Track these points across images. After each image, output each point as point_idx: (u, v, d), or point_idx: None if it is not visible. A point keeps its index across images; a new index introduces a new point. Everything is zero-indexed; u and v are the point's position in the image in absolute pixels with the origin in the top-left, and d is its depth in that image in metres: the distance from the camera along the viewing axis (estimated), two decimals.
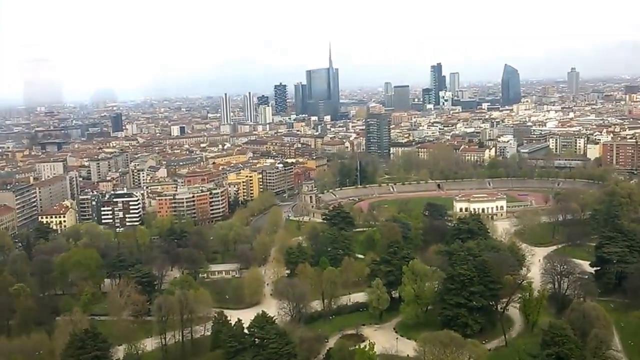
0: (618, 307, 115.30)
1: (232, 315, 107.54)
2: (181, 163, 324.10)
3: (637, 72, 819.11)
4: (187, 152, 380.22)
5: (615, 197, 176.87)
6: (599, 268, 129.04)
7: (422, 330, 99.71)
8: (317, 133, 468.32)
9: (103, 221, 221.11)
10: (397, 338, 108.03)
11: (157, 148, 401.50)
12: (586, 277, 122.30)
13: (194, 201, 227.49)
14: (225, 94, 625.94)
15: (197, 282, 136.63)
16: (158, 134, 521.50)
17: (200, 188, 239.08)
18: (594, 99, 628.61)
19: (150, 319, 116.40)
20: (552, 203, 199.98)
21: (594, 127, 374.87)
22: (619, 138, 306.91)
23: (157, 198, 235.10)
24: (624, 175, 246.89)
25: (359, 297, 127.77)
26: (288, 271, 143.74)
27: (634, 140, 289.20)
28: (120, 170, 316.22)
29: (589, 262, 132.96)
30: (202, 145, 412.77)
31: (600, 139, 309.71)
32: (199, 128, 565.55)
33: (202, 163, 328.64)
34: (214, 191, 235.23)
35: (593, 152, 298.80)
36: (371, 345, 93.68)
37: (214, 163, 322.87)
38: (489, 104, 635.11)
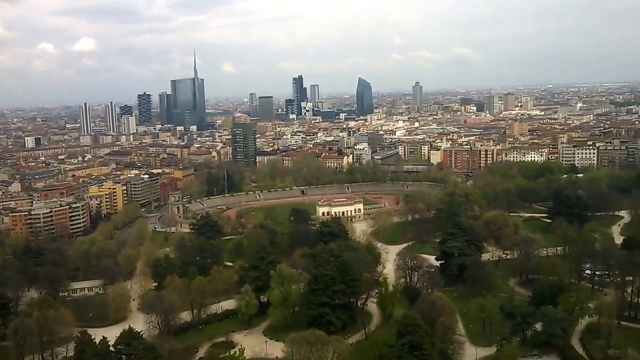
0: (460, 295, 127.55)
1: (97, 334, 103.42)
2: (37, 176, 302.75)
3: (469, 85, 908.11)
4: (44, 164, 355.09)
5: (454, 197, 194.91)
6: (443, 261, 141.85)
7: (290, 332, 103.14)
8: (184, 143, 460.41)
9: None
10: (266, 341, 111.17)
11: (9, 161, 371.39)
12: (432, 270, 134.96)
13: (52, 216, 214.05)
14: (85, 103, 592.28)
15: (58, 302, 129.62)
16: (10, 146, 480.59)
17: (59, 202, 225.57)
18: (435, 110, 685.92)
19: (7, 344, 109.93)
20: (402, 204, 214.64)
21: (436, 135, 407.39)
22: (457, 145, 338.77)
23: (10, 214, 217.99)
24: (462, 178, 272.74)
25: (229, 304, 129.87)
26: (156, 284, 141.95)
27: (469, 147, 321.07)
28: None
29: (434, 257, 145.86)
30: (60, 157, 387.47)
31: (441, 146, 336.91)
32: (57, 139, 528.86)
33: (60, 176, 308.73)
34: (73, 205, 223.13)
35: (435, 157, 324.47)
36: (241, 351, 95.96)
37: (73, 175, 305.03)
38: (346, 114, 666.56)
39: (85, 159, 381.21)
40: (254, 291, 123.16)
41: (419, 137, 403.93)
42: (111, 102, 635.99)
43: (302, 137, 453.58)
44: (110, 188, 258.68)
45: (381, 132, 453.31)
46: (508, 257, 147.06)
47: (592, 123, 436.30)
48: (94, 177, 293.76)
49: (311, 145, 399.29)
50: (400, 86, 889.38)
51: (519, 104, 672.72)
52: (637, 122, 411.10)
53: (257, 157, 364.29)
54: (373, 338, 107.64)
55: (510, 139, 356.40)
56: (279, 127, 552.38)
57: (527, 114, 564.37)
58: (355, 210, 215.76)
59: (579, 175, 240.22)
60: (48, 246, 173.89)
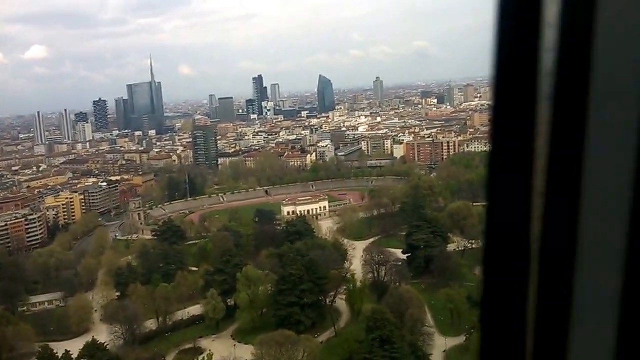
0: (428, 287, 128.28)
1: (60, 347, 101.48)
2: None
3: (430, 78, 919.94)
4: None
5: (419, 190, 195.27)
6: (410, 254, 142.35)
7: (259, 334, 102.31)
8: (143, 148, 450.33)
9: None
10: (234, 345, 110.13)
11: None
12: (400, 263, 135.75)
13: (7, 230, 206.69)
14: (39, 112, 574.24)
15: (17, 317, 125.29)
16: None
17: (14, 215, 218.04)
18: (396, 104, 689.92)
19: None
20: (368, 200, 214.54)
21: (398, 129, 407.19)
22: (419, 138, 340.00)
23: None
24: (425, 170, 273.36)
25: (195, 310, 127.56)
26: (118, 293, 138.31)
27: (431, 139, 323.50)
28: None
29: (401, 250, 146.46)
30: (14, 168, 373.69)
31: (403, 140, 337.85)
32: (10, 150, 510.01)
33: (15, 188, 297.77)
34: (29, 217, 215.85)
35: (399, 151, 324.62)
36: (209, 357, 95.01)
37: (28, 187, 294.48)
38: (307, 112, 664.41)
39: (41, 169, 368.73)
40: (220, 295, 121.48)
41: (381, 132, 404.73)
42: (66, 110, 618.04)
43: (265, 137, 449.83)
44: (67, 198, 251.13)
45: (344, 129, 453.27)
46: (474, 246, 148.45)
47: None
48: (50, 187, 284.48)
49: (274, 145, 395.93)
50: (361, 82, 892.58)
51: (479, 95, 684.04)
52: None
53: (219, 160, 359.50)
54: (343, 335, 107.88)
55: (471, 130, 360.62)
56: (240, 128, 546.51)
57: (488, 105, 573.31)
58: (320, 208, 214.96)
59: None
60: (4, 260, 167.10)
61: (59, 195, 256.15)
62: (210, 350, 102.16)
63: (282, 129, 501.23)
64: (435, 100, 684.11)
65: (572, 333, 2.11)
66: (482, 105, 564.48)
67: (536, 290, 2.17)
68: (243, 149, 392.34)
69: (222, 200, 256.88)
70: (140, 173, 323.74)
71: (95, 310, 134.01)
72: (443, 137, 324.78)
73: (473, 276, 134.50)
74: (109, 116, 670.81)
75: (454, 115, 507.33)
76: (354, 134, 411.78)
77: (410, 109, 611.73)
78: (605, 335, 2.07)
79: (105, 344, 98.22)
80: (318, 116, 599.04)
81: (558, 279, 2.10)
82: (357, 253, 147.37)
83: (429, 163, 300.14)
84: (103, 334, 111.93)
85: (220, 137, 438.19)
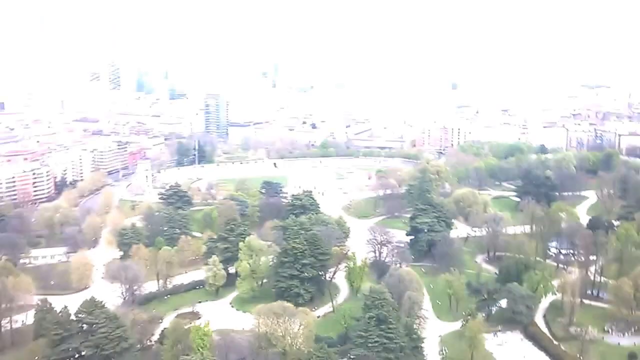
0: (428, 271, 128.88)
1: (58, 302, 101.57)
2: (0, 142, 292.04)
3: None
4: (8, 129, 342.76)
5: (426, 174, 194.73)
6: (412, 237, 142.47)
7: (258, 303, 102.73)
8: (154, 112, 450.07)
9: None
10: (233, 312, 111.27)
11: None
12: (402, 245, 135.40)
13: (14, 182, 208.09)
14: None
15: (18, 269, 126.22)
16: None
17: (22, 168, 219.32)
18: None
19: None
20: (375, 179, 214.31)
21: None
22: (431, 122, 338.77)
23: None
24: (434, 155, 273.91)
25: (196, 275, 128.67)
26: (121, 253, 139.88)
27: (442, 125, 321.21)
28: None
29: (405, 232, 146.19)
30: (25, 122, 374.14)
31: (414, 123, 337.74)
32: (22, 103, 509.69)
33: (24, 141, 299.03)
34: (37, 171, 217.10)
35: (409, 134, 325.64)
36: (206, 322, 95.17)
37: (38, 141, 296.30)
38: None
39: (52, 124, 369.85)
40: (222, 262, 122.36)
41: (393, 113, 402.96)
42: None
43: (277, 110, 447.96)
44: (76, 155, 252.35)
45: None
46: (476, 234, 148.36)
47: (563, 105, 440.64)
48: (59, 143, 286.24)
49: (285, 119, 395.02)
50: None
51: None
52: (605, 105, 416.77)
53: (230, 129, 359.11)
54: (340, 311, 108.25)
55: (482, 118, 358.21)
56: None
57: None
58: (327, 184, 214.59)
59: (548, 155, 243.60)
60: (9, 212, 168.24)
61: (68, 152, 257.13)
62: (207, 317, 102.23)
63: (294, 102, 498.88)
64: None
65: None
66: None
67: None
68: (254, 120, 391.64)
69: (230, 169, 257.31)
70: (150, 136, 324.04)
71: (96, 269, 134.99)
72: (454, 123, 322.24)
73: (474, 264, 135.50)
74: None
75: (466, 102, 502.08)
76: (365, 115, 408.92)
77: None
78: None
79: (104, 302, 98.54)
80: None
81: None
82: (360, 231, 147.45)
83: (439, 148, 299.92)
84: (103, 292, 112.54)
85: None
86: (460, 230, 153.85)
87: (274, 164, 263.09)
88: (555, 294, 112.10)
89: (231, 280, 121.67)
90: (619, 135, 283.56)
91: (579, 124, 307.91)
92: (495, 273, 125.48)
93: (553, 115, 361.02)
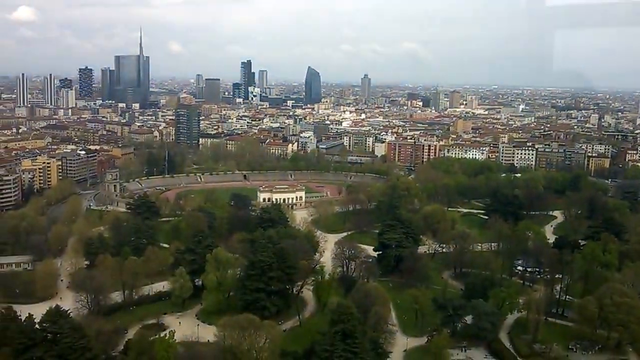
0: (395, 286, 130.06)
1: (23, 310, 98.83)
2: None
3: (417, 81, 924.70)
4: None
5: (396, 190, 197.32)
6: (380, 252, 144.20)
7: (224, 316, 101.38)
8: (125, 121, 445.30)
9: None
10: (198, 325, 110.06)
11: None
12: (370, 260, 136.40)
13: None
14: (23, 74, 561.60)
15: None
16: None
17: None
18: (382, 102, 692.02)
19: None
20: (344, 194, 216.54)
21: (381, 127, 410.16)
22: (401, 138, 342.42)
23: None
24: (404, 171, 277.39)
25: (162, 286, 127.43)
26: (87, 262, 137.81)
27: (413, 141, 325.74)
28: None
29: (373, 247, 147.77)
30: None
31: (385, 139, 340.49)
32: None
33: None
34: (4, 178, 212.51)
35: (380, 149, 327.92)
36: (171, 334, 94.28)
37: (6, 147, 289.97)
38: (293, 101, 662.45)
39: (20, 131, 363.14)
40: (188, 274, 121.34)
41: (364, 128, 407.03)
42: (50, 75, 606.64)
43: (248, 122, 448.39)
44: (44, 162, 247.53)
45: (327, 122, 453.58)
46: (444, 250, 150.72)
47: (533, 125, 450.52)
48: (28, 150, 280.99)
49: (256, 131, 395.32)
50: (349, 77, 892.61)
51: (464, 102, 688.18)
52: (575, 127, 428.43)
53: (201, 140, 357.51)
54: (306, 325, 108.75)
55: (453, 136, 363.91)
56: (224, 110, 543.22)
57: (472, 112, 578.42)
58: (296, 197, 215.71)
59: (517, 175, 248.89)
60: None
61: (36, 159, 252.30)
62: (173, 328, 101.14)
63: (266, 115, 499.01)
64: (421, 103, 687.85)
65: None
66: (466, 112, 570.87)
67: None
68: (225, 131, 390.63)
69: (199, 180, 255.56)
70: (120, 145, 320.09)
71: (62, 280, 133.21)
72: (425, 140, 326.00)
73: (440, 279, 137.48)
74: (93, 85, 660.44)
75: (437, 119, 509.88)
76: (337, 128, 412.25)
77: (395, 109, 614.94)
78: None
79: (69, 311, 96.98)
80: (303, 107, 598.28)
81: None
82: (328, 245, 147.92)
83: (409, 164, 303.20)
84: (68, 301, 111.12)
85: (203, 117, 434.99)
86: (428, 246, 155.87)
87: (244, 175, 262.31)
88: (521, 312, 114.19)
89: (197, 293, 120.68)
90: (588, 157, 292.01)
91: (549, 145, 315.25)
92: (461, 289, 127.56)
93: (523, 135, 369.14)
